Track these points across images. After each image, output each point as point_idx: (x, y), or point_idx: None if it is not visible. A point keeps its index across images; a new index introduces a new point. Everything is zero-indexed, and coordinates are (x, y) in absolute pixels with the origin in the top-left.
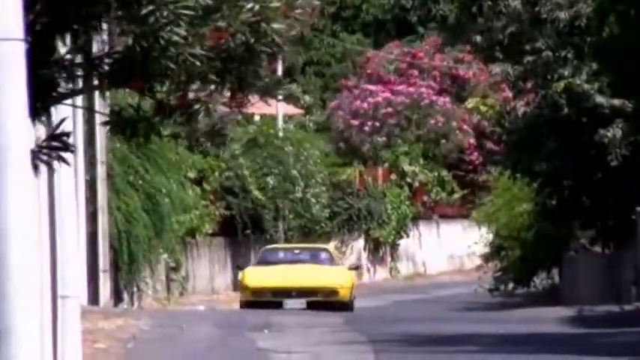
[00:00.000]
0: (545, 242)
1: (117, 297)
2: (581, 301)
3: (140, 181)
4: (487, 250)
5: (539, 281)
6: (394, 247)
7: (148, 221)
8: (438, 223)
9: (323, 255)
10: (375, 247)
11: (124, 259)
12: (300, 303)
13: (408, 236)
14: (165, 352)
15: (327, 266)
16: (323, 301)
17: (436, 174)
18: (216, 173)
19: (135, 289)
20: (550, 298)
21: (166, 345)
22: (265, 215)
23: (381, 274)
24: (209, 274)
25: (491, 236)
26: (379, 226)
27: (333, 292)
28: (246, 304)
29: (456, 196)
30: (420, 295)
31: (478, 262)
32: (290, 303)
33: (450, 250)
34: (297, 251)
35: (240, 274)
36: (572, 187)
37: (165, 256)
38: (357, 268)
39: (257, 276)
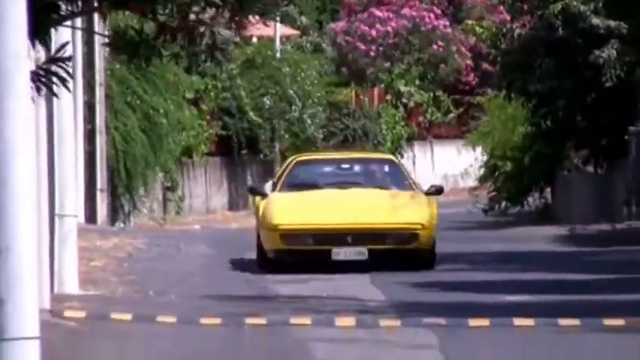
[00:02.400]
0: (538, 162)
1: (114, 216)
2: (573, 220)
3: (138, 102)
4: (482, 171)
5: (533, 201)
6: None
7: (146, 141)
8: (433, 144)
9: (388, 170)
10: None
11: (121, 179)
12: (358, 253)
13: (402, 157)
14: (161, 270)
15: (397, 190)
16: (394, 249)
17: (432, 94)
18: (213, 94)
19: (131, 208)
20: (543, 218)
21: (163, 264)
22: (261, 135)
23: None
24: (205, 194)
25: (485, 157)
26: (374, 146)
27: (411, 235)
28: (273, 258)
29: (451, 115)
30: None
31: (472, 182)
32: (342, 253)
33: (444, 170)
34: (346, 164)
35: (256, 203)
36: (567, 108)
37: (161, 175)
38: (439, 191)
39: (288, 209)
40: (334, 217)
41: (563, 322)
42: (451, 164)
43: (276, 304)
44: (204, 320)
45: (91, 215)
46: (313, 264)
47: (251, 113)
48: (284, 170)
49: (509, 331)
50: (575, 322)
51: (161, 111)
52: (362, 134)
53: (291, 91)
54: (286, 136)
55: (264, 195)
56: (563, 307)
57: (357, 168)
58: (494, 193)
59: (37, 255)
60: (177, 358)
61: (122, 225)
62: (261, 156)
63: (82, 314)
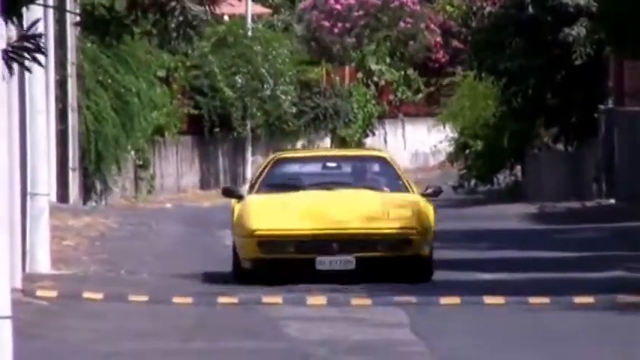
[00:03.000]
0: (508, 140)
1: (86, 195)
2: (543, 198)
3: (110, 81)
4: (452, 148)
5: (503, 179)
6: (360, 145)
7: (117, 120)
8: (404, 122)
9: (380, 169)
10: (341, 146)
11: (92, 158)
12: (345, 262)
13: (373, 135)
14: (133, 249)
15: (390, 192)
16: (385, 257)
17: (402, 73)
18: (184, 72)
19: (103, 187)
20: (513, 195)
21: (135, 242)
22: (233, 114)
23: None
24: (177, 173)
25: (455, 135)
26: (345, 124)
27: (405, 241)
28: (251, 268)
29: (421, 96)
30: None
31: (442, 159)
32: (327, 262)
33: (414, 148)
34: (332, 163)
35: (231, 206)
36: (537, 86)
37: (133, 154)
38: (437, 193)
39: (267, 213)
40: (318, 221)
41: (534, 299)
42: (422, 142)
43: (247, 283)
44: (176, 299)
45: (63, 194)
46: (295, 275)
47: (226, 89)
48: (262, 169)
49: (480, 309)
50: (546, 299)
51: (133, 90)
52: (333, 113)
53: (263, 70)
54: (258, 114)
55: (239, 197)
56: (534, 284)
57: (344, 167)
58: (464, 171)
59: (8, 234)
60: (149, 336)
61: (94, 204)
62: (234, 134)
63: (54, 293)
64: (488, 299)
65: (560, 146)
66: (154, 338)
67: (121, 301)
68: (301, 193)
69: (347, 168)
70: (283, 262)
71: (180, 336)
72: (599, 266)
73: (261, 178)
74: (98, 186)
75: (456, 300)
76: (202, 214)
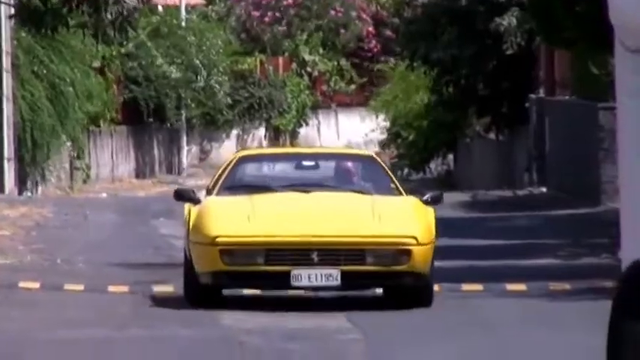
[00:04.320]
0: (441, 129)
1: (21, 185)
2: (475, 187)
3: (45, 71)
4: (384, 137)
5: (435, 167)
6: (294, 134)
7: (52, 110)
8: (337, 112)
9: (368, 170)
10: (275, 136)
11: (28, 148)
12: (328, 277)
13: (307, 124)
14: (69, 238)
15: (381, 195)
16: (377, 273)
17: (335, 63)
18: (119, 62)
19: (39, 177)
20: (445, 184)
21: (70, 232)
22: (168, 104)
23: None
24: (112, 163)
25: (388, 124)
26: (280, 114)
27: (401, 253)
28: (210, 283)
29: (353, 87)
30: None
31: (375, 149)
32: (305, 277)
33: (347, 137)
34: (309, 162)
35: (188, 212)
36: (468, 76)
37: (68, 144)
38: (437, 200)
39: (231, 216)
40: (294, 226)
41: (467, 286)
42: (355, 132)
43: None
44: (111, 288)
45: None
46: (265, 292)
47: (160, 82)
48: (223, 170)
49: None
50: (479, 286)
51: (67, 80)
52: (267, 102)
53: (197, 61)
54: (193, 104)
55: (195, 201)
56: (467, 272)
57: (324, 166)
58: (396, 160)
59: None
60: (85, 325)
61: (30, 194)
62: (169, 124)
63: None
64: None
65: (491, 135)
66: (90, 326)
67: (57, 290)
68: (272, 195)
69: (327, 168)
70: (251, 276)
71: (116, 324)
72: (531, 254)
73: (222, 180)
74: (34, 176)
75: None
76: (137, 204)
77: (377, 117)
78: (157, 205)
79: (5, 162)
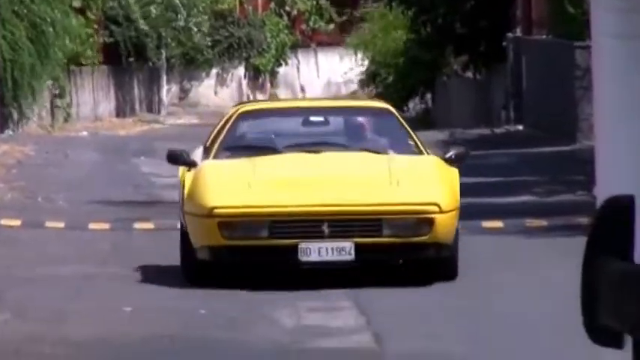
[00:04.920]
0: (419, 68)
1: (2, 124)
2: (453, 125)
3: (25, 10)
4: (363, 76)
5: (413, 106)
6: (273, 74)
7: (33, 50)
8: (316, 51)
9: (384, 125)
10: (254, 75)
11: (8, 87)
12: (340, 250)
13: (287, 64)
14: (50, 176)
15: (398, 154)
16: (395, 244)
17: (314, 2)
18: (100, 1)
19: (20, 115)
20: (423, 123)
21: (51, 170)
22: (149, 44)
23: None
24: (93, 102)
25: (367, 62)
26: (259, 54)
27: (422, 222)
28: (210, 258)
29: (334, 25)
30: None
31: (354, 88)
32: (315, 251)
33: (327, 76)
34: (317, 117)
35: (180, 177)
36: (446, 15)
37: (49, 83)
38: (462, 158)
39: (230, 184)
40: (301, 194)
41: None
42: (334, 71)
43: (164, 209)
44: (92, 225)
45: None
46: (270, 268)
47: (141, 21)
48: (222, 127)
49: None
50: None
51: (48, 19)
52: (247, 42)
53: (177, 0)
54: (173, 44)
55: (190, 164)
56: None
57: (334, 122)
58: (374, 98)
59: None
60: (66, 261)
61: (11, 133)
62: (149, 64)
63: None
64: None
65: (469, 74)
66: (71, 263)
67: (39, 227)
68: (277, 157)
69: (338, 123)
70: (254, 251)
71: (97, 261)
72: (508, 191)
73: (219, 139)
74: (15, 115)
75: None
76: (118, 142)
77: (356, 56)
78: (137, 144)
79: None
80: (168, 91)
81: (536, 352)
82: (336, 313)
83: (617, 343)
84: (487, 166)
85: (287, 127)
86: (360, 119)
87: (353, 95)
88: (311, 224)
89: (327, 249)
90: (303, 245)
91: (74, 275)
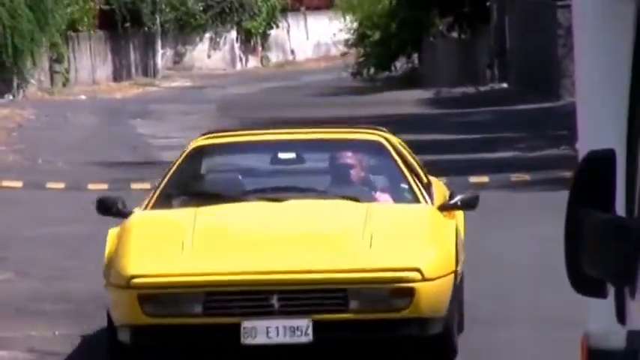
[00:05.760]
0: (405, 29)
1: (3, 89)
2: (439, 84)
3: None
4: (351, 37)
5: (400, 66)
6: (265, 37)
7: (31, 16)
8: (306, 15)
9: (373, 163)
10: (246, 38)
11: (9, 53)
12: (293, 330)
13: (277, 27)
14: (49, 139)
15: (384, 203)
16: (366, 321)
17: None
18: None
19: (20, 80)
20: (410, 82)
21: (51, 133)
22: (143, 9)
23: (253, 62)
24: (90, 66)
25: (355, 24)
26: (250, 17)
27: (397, 292)
28: (129, 341)
29: None
30: (290, 82)
31: (343, 49)
32: (262, 331)
33: (316, 39)
34: (289, 154)
35: (110, 234)
36: None
37: (48, 48)
38: (471, 203)
39: (158, 245)
40: (247, 258)
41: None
42: (324, 34)
43: (161, 170)
44: (91, 186)
45: None
46: (206, 353)
47: None
48: (172, 167)
49: None
50: (442, 179)
51: None
52: (238, 6)
53: None
54: (167, 9)
55: (125, 216)
56: (431, 166)
57: (310, 159)
58: (362, 59)
59: None
60: (66, 222)
61: (11, 97)
62: (144, 29)
63: None
64: None
65: (454, 34)
66: (70, 224)
67: (39, 188)
68: (227, 208)
69: (314, 161)
70: (184, 331)
71: (96, 221)
72: (493, 147)
73: (164, 182)
74: (15, 80)
75: None
76: (115, 105)
77: (344, 18)
78: (133, 107)
79: None
80: (163, 56)
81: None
82: None
83: (600, 293)
84: (473, 123)
85: (250, 167)
86: (346, 155)
87: (343, 56)
88: (257, 297)
89: (277, 329)
90: (247, 324)
91: (74, 235)
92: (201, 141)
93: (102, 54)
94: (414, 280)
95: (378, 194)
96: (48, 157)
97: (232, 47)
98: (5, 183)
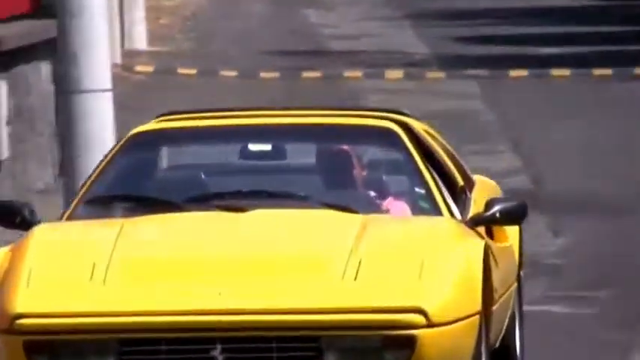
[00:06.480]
0: None
1: None
2: None
3: None
4: None
5: None
6: None
7: None
8: None
9: (381, 159)
10: None
11: None
12: None
13: None
14: (223, 28)
15: (388, 215)
16: None
17: None
18: None
19: None
20: None
21: (225, 22)
22: None
23: None
24: None
25: None
26: None
27: (393, 341)
28: None
29: None
30: None
31: None
32: None
33: None
34: (263, 145)
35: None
36: None
37: None
38: (514, 214)
39: (60, 277)
40: (181, 293)
41: (597, 72)
42: None
43: (331, 59)
44: (262, 74)
45: None
46: None
47: None
48: (102, 162)
49: (546, 81)
50: (607, 71)
51: None
52: None
53: None
54: None
55: (25, 226)
56: (598, 57)
57: (296, 153)
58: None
59: (107, 14)
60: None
61: None
62: None
63: (150, 68)
64: (555, 71)
65: None
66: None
67: (212, 76)
68: (165, 220)
69: (301, 154)
70: None
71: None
72: None
73: (90, 182)
74: None
75: (523, 72)
76: None
77: None
78: None
79: None
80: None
81: None
82: None
83: None
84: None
85: (208, 163)
86: (342, 149)
87: None
88: (193, 348)
89: None
90: None
91: None
92: (147, 126)
93: None
94: (415, 326)
95: (388, 202)
96: (222, 46)
97: None
98: (181, 70)
